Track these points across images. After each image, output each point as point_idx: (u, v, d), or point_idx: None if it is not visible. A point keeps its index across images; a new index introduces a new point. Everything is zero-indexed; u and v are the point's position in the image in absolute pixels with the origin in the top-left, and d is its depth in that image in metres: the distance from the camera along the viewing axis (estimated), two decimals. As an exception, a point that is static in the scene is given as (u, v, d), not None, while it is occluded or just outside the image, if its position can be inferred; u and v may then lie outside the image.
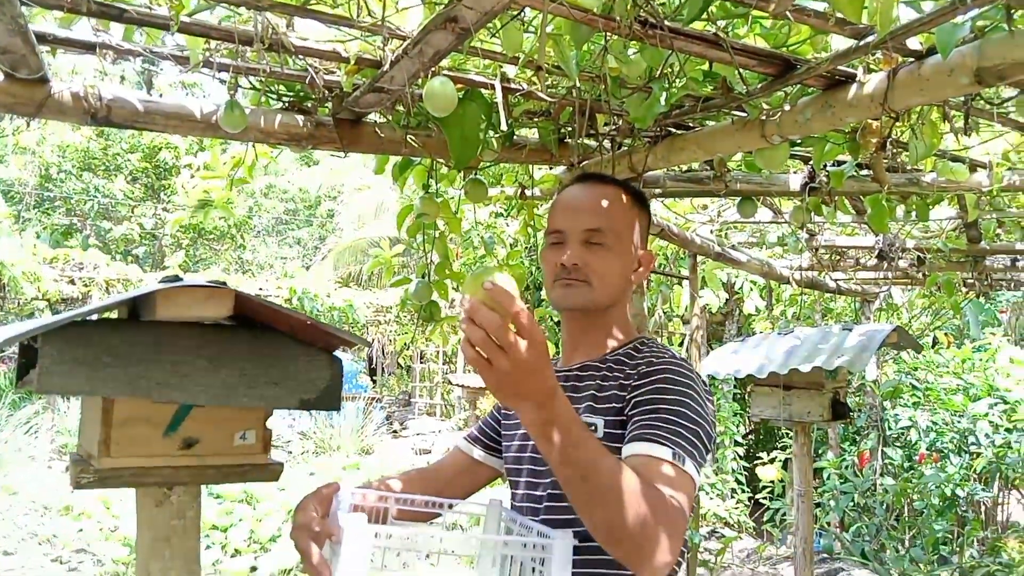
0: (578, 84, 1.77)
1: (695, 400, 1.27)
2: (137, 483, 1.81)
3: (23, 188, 17.89)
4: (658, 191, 2.88)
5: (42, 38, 1.73)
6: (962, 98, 1.85)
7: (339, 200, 22.91)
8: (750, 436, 8.48)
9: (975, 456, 6.15)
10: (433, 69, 1.90)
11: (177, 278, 1.73)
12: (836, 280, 5.02)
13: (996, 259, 4.32)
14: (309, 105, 2.20)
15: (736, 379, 4.32)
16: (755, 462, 6.90)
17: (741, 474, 7.37)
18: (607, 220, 1.45)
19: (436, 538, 1.44)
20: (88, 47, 1.80)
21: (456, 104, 1.93)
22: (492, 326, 0.94)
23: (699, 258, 3.73)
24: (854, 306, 6.96)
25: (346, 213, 20.74)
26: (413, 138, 2.28)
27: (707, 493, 7.04)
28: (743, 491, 7.30)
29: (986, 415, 6.34)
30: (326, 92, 2.13)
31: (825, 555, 5.57)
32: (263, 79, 2.10)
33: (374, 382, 18.06)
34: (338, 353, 1.97)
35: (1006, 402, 6.50)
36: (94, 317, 1.75)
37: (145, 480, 1.80)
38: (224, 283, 1.78)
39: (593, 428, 1.33)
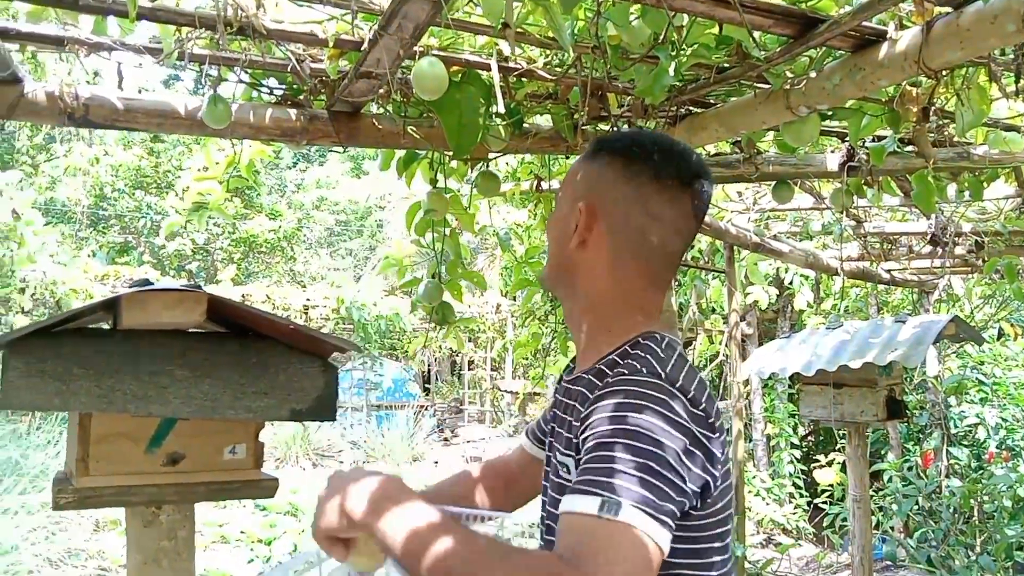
0: (571, 53, 1.61)
1: (647, 428, 0.92)
2: (119, 503, 1.71)
3: (78, 208, 18.33)
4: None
5: (5, 34, 1.64)
6: (1011, 53, 1.64)
7: (388, 209, 23.07)
8: (809, 438, 8.16)
9: (1050, 454, 5.80)
10: (421, 49, 1.77)
11: (147, 282, 1.62)
12: (890, 270, 4.74)
13: (1064, 242, 4.01)
14: (302, 98, 2.08)
15: (785, 378, 4.09)
16: (813, 465, 6.61)
17: (799, 477, 7.07)
18: (561, 187, 1.26)
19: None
20: (56, 42, 1.71)
21: (448, 86, 1.80)
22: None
23: (739, 250, 3.52)
24: (912, 298, 6.63)
25: (395, 222, 20.85)
26: (414, 129, 2.15)
27: (763, 499, 6.77)
28: (801, 495, 6.99)
29: (1060, 410, 5.98)
30: (316, 83, 2.01)
31: (888, 563, 5.27)
32: (249, 71, 1.99)
33: (427, 390, 18.01)
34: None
35: (1082, 396, 6.12)
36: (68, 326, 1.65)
37: (128, 499, 1.69)
38: (199, 286, 1.67)
39: (566, 469, 1.11)
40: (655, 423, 0.92)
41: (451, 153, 2.13)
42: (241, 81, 2.02)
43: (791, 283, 6.42)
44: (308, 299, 13.48)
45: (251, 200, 20.64)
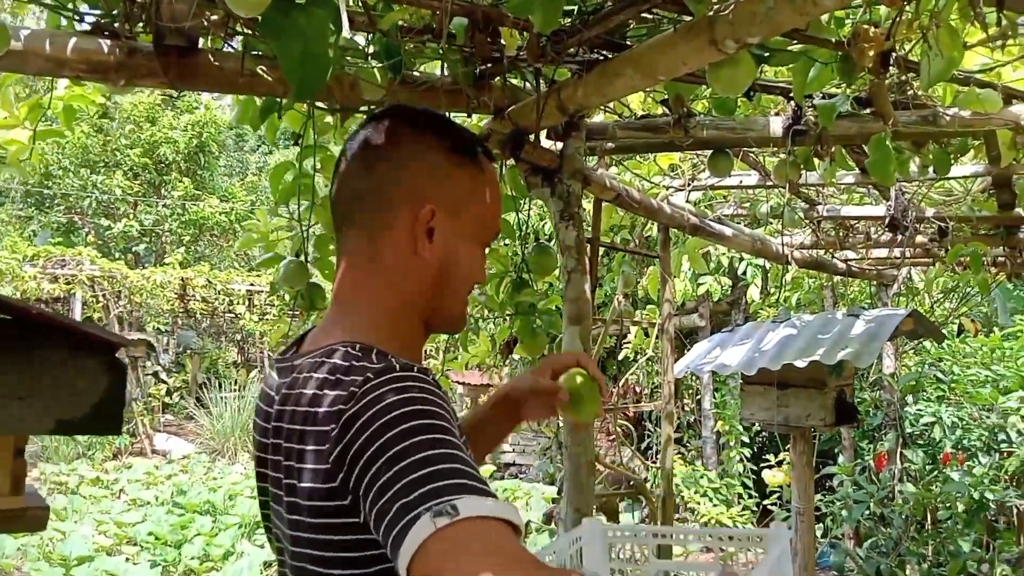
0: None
1: None
2: None
3: (19, 186, 17.61)
4: (609, 145, 2.32)
5: None
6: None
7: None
8: (763, 434, 7.87)
9: (1006, 455, 5.54)
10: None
11: None
12: (847, 260, 4.41)
13: (1031, 232, 3.71)
14: (117, 26, 1.66)
15: (718, 376, 3.76)
16: (762, 464, 6.32)
17: (748, 477, 6.77)
18: None
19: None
20: None
21: (285, 6, 1.40)
22: None
23: (677, 234, 3.16)
24: (870, 291, 6.34)
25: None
26: (264, 69, 1.74)
27: (711, 499, 6.46)
28: (750, 496, 6.70)
29: (1018, 410, 5.73)
30: (130, 6, 1.60)
31: (835, 573, 4.97)
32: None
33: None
34: None
35: (1040, 396, 5.88)
36: None
37: None
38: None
39: None
40: None
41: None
42: (35, 1, 1.60)
43: (744, 273, 6.11)
44: (252, 284, 12.97)
45: (203, 181, 20.01)
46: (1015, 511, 5.60)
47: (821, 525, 5.37)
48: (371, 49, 1.85)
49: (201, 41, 1.76)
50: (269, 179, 2.06)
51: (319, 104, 1.97)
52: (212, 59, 1.71)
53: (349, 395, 0.87)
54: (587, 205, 2.77)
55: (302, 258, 1.96)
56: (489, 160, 1.13)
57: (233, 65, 1.75)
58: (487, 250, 1.16)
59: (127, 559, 5.16)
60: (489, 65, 1.95)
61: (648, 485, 3.31)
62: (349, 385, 0.88)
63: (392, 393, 0.85)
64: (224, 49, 1.77)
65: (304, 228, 1.97)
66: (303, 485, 0.90)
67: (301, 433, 0.92)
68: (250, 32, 1.70)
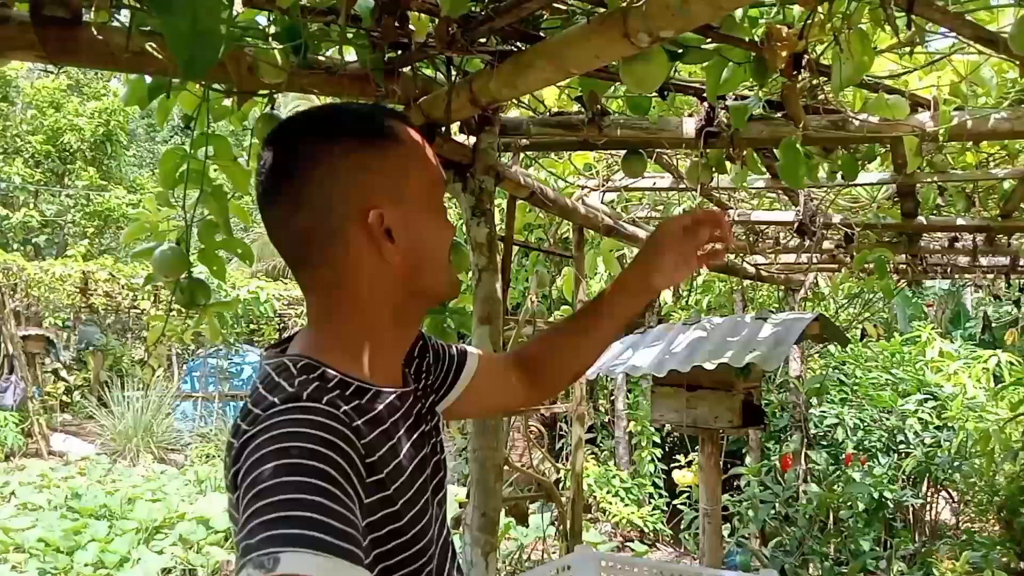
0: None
1: None
2: None
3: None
4: (524, 142, 2.27)
5: None
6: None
7: (261, 189, 22.05)
8: (674, 435, 7.98)
9: (904, 456, 5.76)
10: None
11: None
12: (756, 264, 4.49)
13: (932, 242, 3.84)
14: (-12, -9, 1.52)
15: (632, 376, 3.76)
16: (672, 465, 6.39)
17: (659, 477, 6.84)
18: None
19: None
20: None
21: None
22: None
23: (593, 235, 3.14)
24: (778, 295, 6.50)
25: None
26: (155, 46, 1.62)
27: (622, 499, 6.50)
28: (660, 496, 6.77)
29: (915, 412, 5.96)
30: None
31: (742, 572, 5.06)
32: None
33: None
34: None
35: (936, 398, 6.13)
36: None
37: None
38: None
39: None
40: None
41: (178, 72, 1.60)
42: None
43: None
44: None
45: (110, 171, 19.22)
46: (911, 510, 5.82)
47: (728, 525, 5.46)
48: (272, 30, 1.76)
49: (88, 16, 1.63)
50: (159, 164, 1.93)
51: (215, 86, 1.86)
52: (96, 33, 1.59)
53: (254, 416, 0.86)
54: (502, 203, 2.72)
55: (182, 247, 1.83)
56: (398, 120, 1.04)
57: (120, 40, 1.62)
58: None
59: (13, 567, 4.86)
60: (399, 52, 1.87)
61: (560, 487, 3.28)
62: (260, 404, 0.88)
63: (284, 424, 0.83)
64: (113, 24, 1.65)
65: (189, 216, 1.85)
66: (229, 495, 0.91)
67: (229, 443, 0.92)
68: (137, 6, 1.59)
